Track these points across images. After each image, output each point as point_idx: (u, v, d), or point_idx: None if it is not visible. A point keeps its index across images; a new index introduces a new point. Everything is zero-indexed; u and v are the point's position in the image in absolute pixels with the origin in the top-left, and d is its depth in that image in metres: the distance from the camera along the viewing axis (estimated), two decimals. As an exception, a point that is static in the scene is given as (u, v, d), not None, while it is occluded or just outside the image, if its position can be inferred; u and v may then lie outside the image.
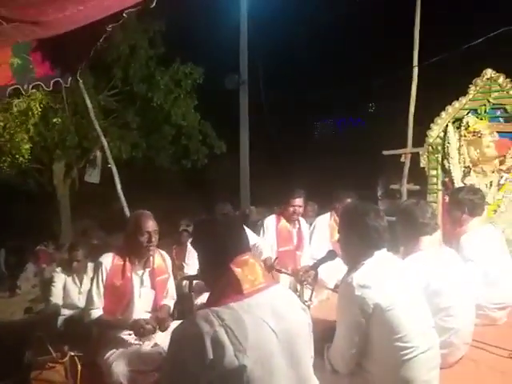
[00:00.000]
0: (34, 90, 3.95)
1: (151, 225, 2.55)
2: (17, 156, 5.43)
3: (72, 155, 8.35)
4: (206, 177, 11.07)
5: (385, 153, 5.13)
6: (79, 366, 2.15)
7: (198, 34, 10.88)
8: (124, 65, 8.02)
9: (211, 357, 1.26)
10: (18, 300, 6.04)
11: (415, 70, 4.91)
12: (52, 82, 3.76)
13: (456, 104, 4.74)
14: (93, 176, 8.71)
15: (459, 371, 2.29)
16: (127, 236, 2.64)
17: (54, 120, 6.15)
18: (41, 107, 4.88)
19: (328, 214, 4.06)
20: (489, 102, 4.59)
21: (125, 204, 4.75)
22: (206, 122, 8.88)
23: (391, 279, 1.90)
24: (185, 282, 2.66)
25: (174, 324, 2.50)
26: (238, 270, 1.40)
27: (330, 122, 17.46)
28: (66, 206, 9.20)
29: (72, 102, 7.02)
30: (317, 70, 13.49)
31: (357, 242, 1.95)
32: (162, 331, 2.48)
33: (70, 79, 3.92)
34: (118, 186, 4.73)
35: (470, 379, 2.22)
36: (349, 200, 3.62)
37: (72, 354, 2.17)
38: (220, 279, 1.42)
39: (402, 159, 4.97)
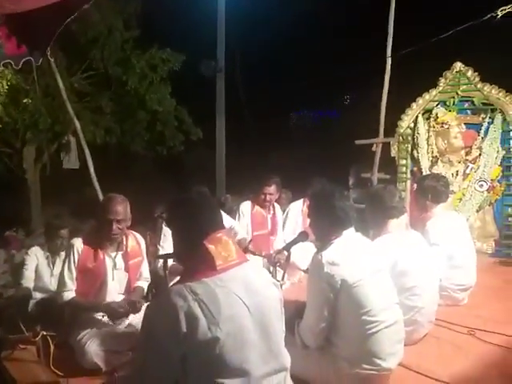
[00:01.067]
0: (2, 68, 3.83)
1: (120, 211, 2.51)
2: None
3: (43, 139, 8.08)
4: (182, 164, 10.99)
5: (357, 142, 5.25)
6: (52, 346, 2.14)
7: (176, 19, 10.70)
8: (98, 47, 7.80)
9: (185, 330, 1.30)
10: (-13, 286, 5.88)
11: (388, 61, 5.01)
12: (22, 60, 3.66)
13: (426, 96, 4.89)
14: (71, 162, 8.51)
15: (423, 347, 2.43)
16: (96, 220, 2.62)
17: (25, 101, 5.93)
18: (8, 85, 4.69)
19: (301, 201, 4.15)
20: (457, 94, 4.76)
21: (98, 189, 4.68)
22: (183, 108, 8.76)
23: (358, 257, 2.00)
24: (159, 262, 2.67)
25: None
26: (211, 247, 1.43)
27: (306, 113, 17.56)
28: (36, 191, 8.93)
29: (43, 83, 6.80)
30: (293, 61, 13.52)
31: (325, 221, 2.06)
32: (135, 313, 2.49)
33: (40, 59, 3.82)
34: (92, 171, 4.67)
35: (432, 354, 2.35)
36: (320, 186, 3.70)
37: (44, 333, 2.16)
38: (194, 255, 1.45)
39: (374, 148, 5.10)
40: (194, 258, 1.44)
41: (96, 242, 2.59)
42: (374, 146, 5.08)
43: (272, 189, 3.77)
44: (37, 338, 2.14)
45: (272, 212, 3.99)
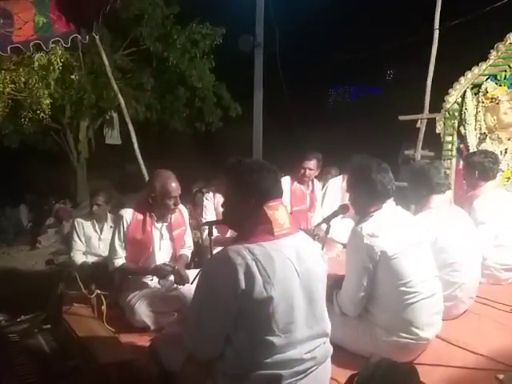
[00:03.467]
0: (54, 45, 4.00)
1: (177, 188, 2.63)
2: (37, 111, 5.50)
3: (88, 115, 8.42)
4: (220, 140, 11.09)
5: (401, 118, 5.10)
6: (104, 304, 2.31)
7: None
8: (140, 23, 7.92)
9: (243, 287, 1.38)
10: (39, 253, 6.32)
11: (436, 33, 4.79)
12: (70, 38, 3.81)
13: (475, 69, 4.65)
14: (113, 137, 8.82)
15: (463, 323, 2.42)
16: (152, 196, 2.69)
17: (72, 77, 6.16)
18: (61, 62, 4.91)
19: (340, 177, 4.12)
20: (510, 67, 4.50)
21: (142, 164, 4.85)
22: (221, 83, 8.81)
23: (398, 229, 2.01)
24: (205, 229, 2.77)
25: (191, 273, 2.66)
26: (270, 213, 1.50)
27: (346, 89, 17.15)
28: (82, 165, 9.37)
29: (88, 60, 7.04)
30: (333, 35, 13.14)
31: (363, 194, 2.07)
32: (181, 284, 2.60)
33: (87, 36, 3.96)
34: (136, 146, 4.81)
35: (472, 330, 2.34)
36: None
37: (99, 292, 2.33)
38: (252, 219, 1.51)
39: (418, 125, 4.95)
40: (253, 223, 1.51)
41: (144, 214, 2.71)
42: (419, 121, 4.92)
43: (312, 164, 3.77)
44: (92, 296, 2.31)
45: (311, 188, 4.00)
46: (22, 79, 5.04)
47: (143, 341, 2.19)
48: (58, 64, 4.88)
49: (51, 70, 5.04)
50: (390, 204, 2.08)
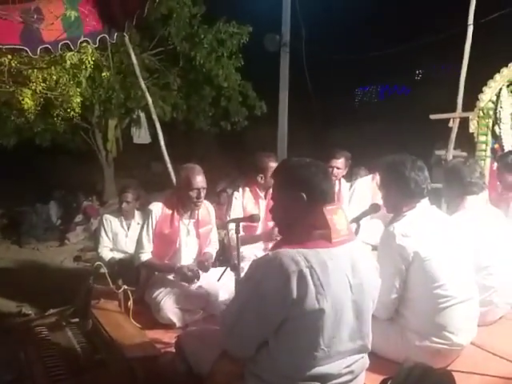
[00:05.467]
0: (85, 44, 4.08)
1: (201, 180, 2.64)
2: (68, 110, 5.62)
3: (117, 114, 8.57)
4: (245, 139, 11.09)
5: (432, 117, 4.95)
6: (131, 300, 2.33)
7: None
8: (168, 23, 7.99)
9: (294, 296, 1.30)
10: (68, 249, 6.49)
11: (470, 29, 4.63)
12: (98, 37, 3.86)
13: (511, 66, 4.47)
14: (141, 137, 8.93)
15: (498, 329, 2.31)
16: (178, 188, 2.74)
17: (103, 74, 6.25)
18: (92, 61, 5.01)
19: (369, 177, 4.03)
20: (549, 63, 4.30)
21: (168, 162, 4.87)
22: (247, 82, 8.79)
23: (432, 230, 1.93)
24: (231, 225, 2.75)
25: (216, 271, 2.65)
26: (329, 217, 1.41)
27: (372, 89, 16.88)
28: (109, 164, 9.54)
29: (117, 60, 7.15)
30: (360, 34, 12.96)
31: (396, 192, 1.99)
32: (204, 272, 2.62)
33: (115, 35, 4.01)
34: (162, 144, 4.83)
35: (509, 337, 2.23)
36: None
37: (126, 287, 2.35)
38: (308, 222, 1.43)
39: (450, 124, 4.79)
40: (309, 226, 1.43)
41: (172, 209, 2.73)
42: (451, 121, 4.76)
43: (340, 162, 3.69)
44: (119, 291, 2.33)
45: (338, 187, 3.92)
46: (54, 78, 5.14)
47: (169, 337, 2.19)
48: (89, 63, 4.97)
49: (82, 68, 5.13)
50: (424, 203, 2.00)
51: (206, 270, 2.60)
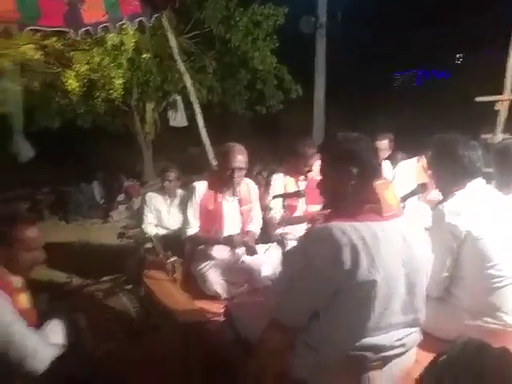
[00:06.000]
0: (125, 26, 4.15)
1: (240, 160, 2.66)
2: (110, 91, 5.77)
3: (154, 97, 8.71)
4: (280, 123, 11.02)
5: (478, 99, 4.74)
6: (179, 270, 2.41)
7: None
8: (204, 6, 8.00)
9: (346, 267, 1.32)
10: (111, 226, 6.76)
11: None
12: (137, 20, 3.91)
13: None
14: (177, 120, 9.01)
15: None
16: (219, 166, 2.78)
17: (144, 56, 6.35)
18: (133, 43, 5.10)
19: (414, 159, 3.94)
20: None
21: (207, 144, 4.92)
22: (282, 65, 8.71)
23: (485, 210, 1.88)
24: (273, 203, 2.76)
25: (259, 247, 2.69)
26: (379, 191, 1.44)
27: (411, 74, 16.34)
28: (148, 146, 9.74)
29: (155, 42, 7.23)
30: (398, 17, 12.50)
31: (448, 171, 1.94)
32: (250, 256, 2.65)
33: (154, 18, 4.04)
34: (201, 125, 4.88)
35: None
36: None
37: (175, 258, 2.43)
38: (359, 196, 1.44)
39: (497, 107, 4.59)
40: (360, 200, 1.44)
41: (215, 187, 2.78)
42: (498, 104, 4.56)
43: (383, 144, 3.64)
44: (168, 261, 2.42)
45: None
46: (96, 59, 5.28)
47: (215, 308, 2.26)
48: (129, 44, 5.06)
49: (123, 50, 5.24)
50: (476, 183, 1.94)
51: (252, 253, 2.62)
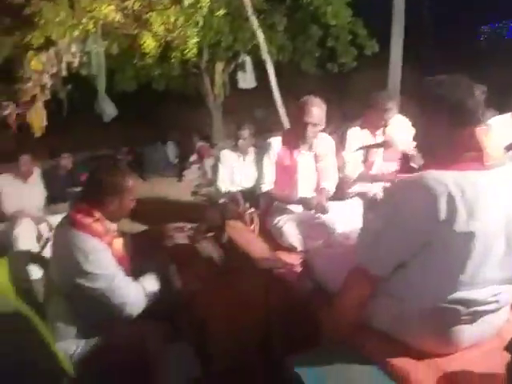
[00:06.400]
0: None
1: (316, 114, 2.60)
2: (185, 52, 5.87)
3: (224, 58, 8.72)
4: (352, 82, 10.53)
5: None
6: (257, 222, 2.48)
7: None
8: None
9: (442, 218, 1.25)
10: (185, 185, 7.13)
11: None
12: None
13: None
14: (247, 81, 9.00)
15: None
16: (295, 120, 2.75)
17: (216, 14, 6.33)
18: (208, 0, 5.10)
19: (508, 114, 3.60)
20: None
21: (279, 100, 4.88)
22: (357, 19, 8.19)
23: None
24: (348, 158, 2.67)
25: (334, 204, 2.66)
26: (480, 139, 1.33)
27: (502, 26, 14.62)
28: (218, 109, 9.88)
29: (225, 1, 7.15)
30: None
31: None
32: (323, 214, 2.63)
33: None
34: (273, 82, 4.81)
35: None
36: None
37: (252, 210, 2.50)
38: (458, 144, 1.35)
39: None
40: (458, 148, 1.35)
41: (290, 143, 2.77)
42: None
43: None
44: (246, 212, 2.50)
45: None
46: (172, 19, 5.35)
47: (292, 259, 2.30)
48: (205, 1, 5.06)
49: (198, 8, 5.25)
50: None
51: (323, 211, 2.60)
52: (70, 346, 1.72)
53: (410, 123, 3.10)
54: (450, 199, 1.26)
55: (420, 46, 9.00)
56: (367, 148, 2.08)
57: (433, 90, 1.41)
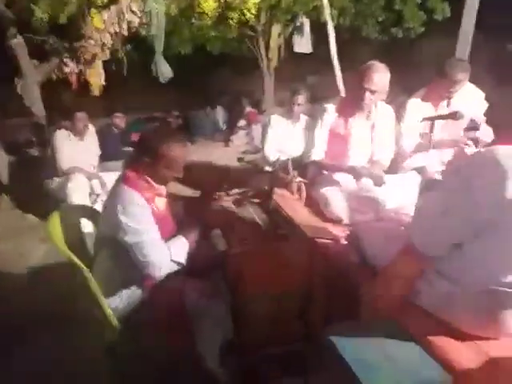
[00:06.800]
0: None
1: (377, 81, 2.43)
2: (244, 11, 5.72)
3: (282, 20, 8.42)
4: (418, 49, 9.80)
5: None
6: (304, 191, 2.42)
7: None
8: None
9: (510, 197, 1.17)
10: (232, 150, 7.11)
11: None
12: None
13: None
14: (302, 45, 8.67)
15: None
16: (353, 86, 2.61)
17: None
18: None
19: None
20: None
21: (337, 67, 4.64)
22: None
23: None
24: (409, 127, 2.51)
25: (389, 178, 2.53)
26: None
27: None
28: (271, 74, 9.65)
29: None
30: None
31: None
32: (378, 186, 2.51)
33: None
34: (333, 45, 4.55)
35: None
36: None
37: (300, 179, 2.44)
38: None
39: None
40: None
41: (347, 110, 2.63)
42: None
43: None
44: (295, 181, 2.44)
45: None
46: (231, -22, 5.20)
47: (338, 231, 2.23)
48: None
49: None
50: None
51: (379, 183, 2.47)
52: (114, 299, 1.79)
53: (482, 95, 2.86)
54: None
55: (495, 13, 8.10)
56: (431, 120, 1.91)
57: None
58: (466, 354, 1.28)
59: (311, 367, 1.80)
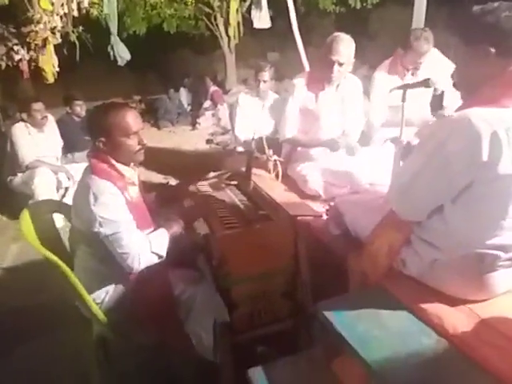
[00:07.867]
0: None
1: (342, 51, 2.44)
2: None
3: (238, -5, 8.21)
4: (375, 19, 9.88)
5: None
6: (280, 169, 2.41)
7: None
8: None
9: (485, 159, 1.19)
10: (199, 133, 6.99)
11: None
12: None
13: None
14: (261, 20, 8.52)
15: None
16: (319, 59, 2.60)
17: None
18: None
19: None
20: None
21: (300, 43, 4.60)
22: None
23: None
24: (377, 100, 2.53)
25: (363, 151, 2.56)
26: None
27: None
28: (232, 51, 9.48)
29: None
30: None
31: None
32: (351, 155, 2.55)
33: None
34: (293, 19, 4.50)
35: None
36: None
37: (276, 158, 2.42)
38: (504, 79, 1.26)
39: None
40: (504, 84, 1.26)
41: (315, 83, 2.62)
42: None
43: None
44: (271, 160, 2.42)
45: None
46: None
47: (316, 207, 2.24)
48: None
49: None
50: None
51: (352, 153, 2.51)
52: (98, 293, 1.73)
53: (447, 60, 2.88)
54: (495, 138, 1.18)
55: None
56: (403, 88, 1.93)
57: (482, 18, 1.28)
58: (458, 318, 1.31)
59: (303, 344, 1.83)
